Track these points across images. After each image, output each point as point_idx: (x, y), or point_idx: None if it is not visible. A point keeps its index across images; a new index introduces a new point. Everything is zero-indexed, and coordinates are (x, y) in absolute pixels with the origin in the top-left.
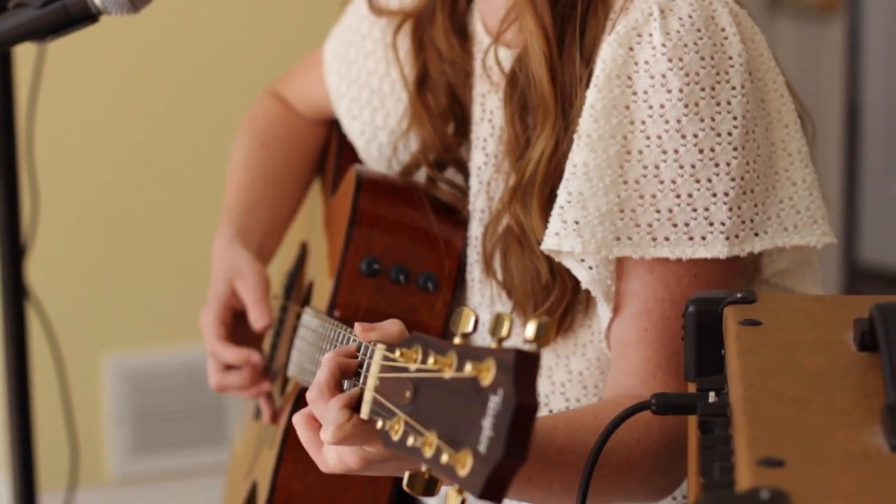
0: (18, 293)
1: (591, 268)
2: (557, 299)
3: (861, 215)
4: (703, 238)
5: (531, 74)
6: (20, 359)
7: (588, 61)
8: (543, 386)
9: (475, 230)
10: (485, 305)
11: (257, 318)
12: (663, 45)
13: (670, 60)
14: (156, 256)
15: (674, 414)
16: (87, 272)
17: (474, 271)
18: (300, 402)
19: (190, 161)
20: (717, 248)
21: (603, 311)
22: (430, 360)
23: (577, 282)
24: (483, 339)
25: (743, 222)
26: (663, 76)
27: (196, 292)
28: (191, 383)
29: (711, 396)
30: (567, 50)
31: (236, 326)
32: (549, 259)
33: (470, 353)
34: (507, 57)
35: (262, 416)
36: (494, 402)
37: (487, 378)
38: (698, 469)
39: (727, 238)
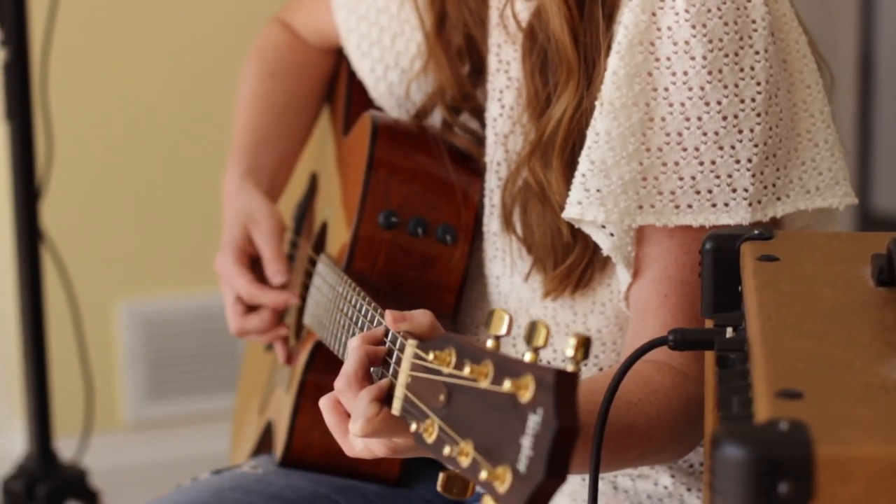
0: (33, 236)
1: (612, 234)
2: (578, 257)
3: (874, 164)
4: (726, 204)
5: (552, 33)
6: (35, 303)
7: (610, 21)
8: (561, 343)
9: (491, 182)
10: (498, 258)
11: (274, 274)
12: (686, 11)
13: (693, 27)
14: (171, 202)
15: (691, 349)
16: (103, 217)
17: (491, 223)
18: (316, 353)
19: (207, 106)
20: (739, 215)
21: (623, 276)
22: (466, 370)
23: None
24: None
25: (765, 187)
26: (686, 43)
27: (211, 238)
28: (205, 328)
29: (729, 332)
30: (588, 10)
31: (252, 270)
32: None
33: (507, 366)
34: (524, 9)
35: (277, 356)
36: (534, 420)
37: (526, 395)
38: (716, 403)
39: (750, 204)
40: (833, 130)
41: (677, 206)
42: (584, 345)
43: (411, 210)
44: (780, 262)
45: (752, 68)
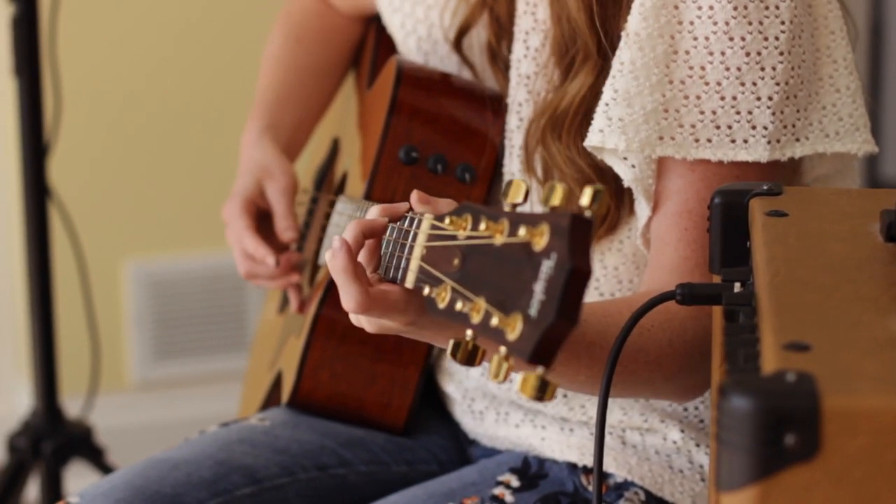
0: (41, 193)
1: (633, 166)
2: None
3: (884, 131)
4: (745, 141)
5: (570, 18)
6: (43, 261)
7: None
8: None
9: (511, 123)
10: None
11: (284, 230)
12: None
13: None
14: (180, 161)
15: (699, 304)
16: (111, 175)
17: (511, 164)
18: (331, 288)
19: (219, 63)
20: (758, 152)
21: (642, 210)
22: (482, 226)
23: (620, 186)
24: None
25: (785, 127)
26: None
27: (220, 199)
28: (213, 289)
29: (737, 287)
30: None
31: (259, 223)
32: (592, 158)
33: (523, 218)
34: None
35: (290, 306)
36: (547, 266)
37: (541, 242)
38: (723, 358)
39: (769, 142)
40: (855, 78)
41: (697, 140)
42: (599, 196)
43: (432, 147)
44: (789, 218)
45: (778, 7)
